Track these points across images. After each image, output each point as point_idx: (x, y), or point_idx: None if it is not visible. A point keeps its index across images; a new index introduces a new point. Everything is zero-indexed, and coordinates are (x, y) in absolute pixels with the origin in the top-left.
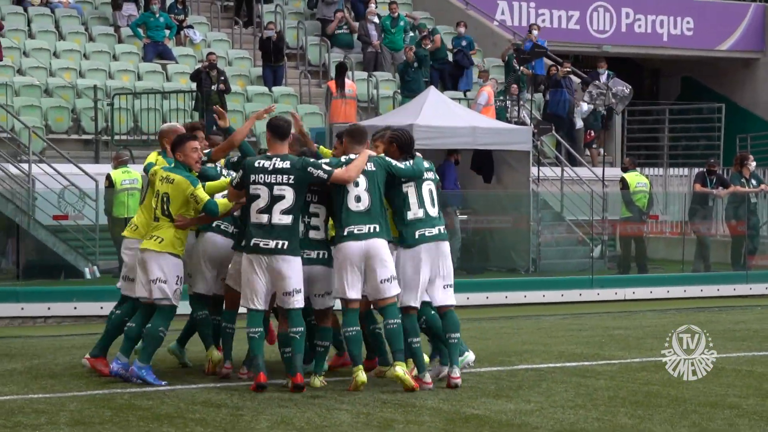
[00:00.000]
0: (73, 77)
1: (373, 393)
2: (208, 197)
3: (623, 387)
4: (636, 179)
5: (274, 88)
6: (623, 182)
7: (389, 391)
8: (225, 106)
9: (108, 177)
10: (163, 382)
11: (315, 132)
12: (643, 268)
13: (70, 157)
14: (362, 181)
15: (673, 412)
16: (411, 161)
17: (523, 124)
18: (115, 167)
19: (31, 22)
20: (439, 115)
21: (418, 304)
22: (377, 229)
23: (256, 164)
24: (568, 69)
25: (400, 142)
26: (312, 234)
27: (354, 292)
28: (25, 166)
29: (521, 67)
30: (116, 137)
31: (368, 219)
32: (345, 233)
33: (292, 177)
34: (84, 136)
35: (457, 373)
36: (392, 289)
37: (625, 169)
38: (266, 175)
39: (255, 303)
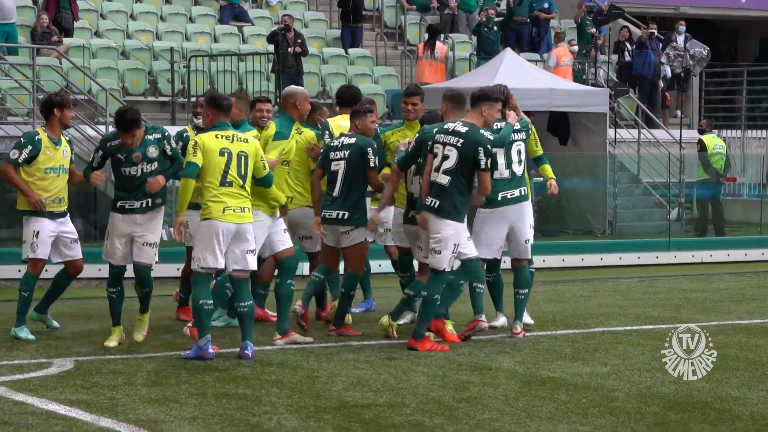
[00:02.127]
0: (149, 39)
1: (449, 355)
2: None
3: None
4: (713, 141)
5: (350, 50)
6: (700, 144)
7: (465, 353)
8: (301, 68)
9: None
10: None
11: (391, 94)
12: (721, 230)
13: (147, 119)
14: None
15: (751, 376)
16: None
17: (600, 85)
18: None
19: None
20: (516, 77)
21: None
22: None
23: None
24: (649, 32)
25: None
26: None
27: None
28: (102, 128)
29: (597, 30)
30: (192, 99)
31: None
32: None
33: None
34: (160, 98)
35: (518, 328)
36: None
37: (702, 131)
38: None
39: None
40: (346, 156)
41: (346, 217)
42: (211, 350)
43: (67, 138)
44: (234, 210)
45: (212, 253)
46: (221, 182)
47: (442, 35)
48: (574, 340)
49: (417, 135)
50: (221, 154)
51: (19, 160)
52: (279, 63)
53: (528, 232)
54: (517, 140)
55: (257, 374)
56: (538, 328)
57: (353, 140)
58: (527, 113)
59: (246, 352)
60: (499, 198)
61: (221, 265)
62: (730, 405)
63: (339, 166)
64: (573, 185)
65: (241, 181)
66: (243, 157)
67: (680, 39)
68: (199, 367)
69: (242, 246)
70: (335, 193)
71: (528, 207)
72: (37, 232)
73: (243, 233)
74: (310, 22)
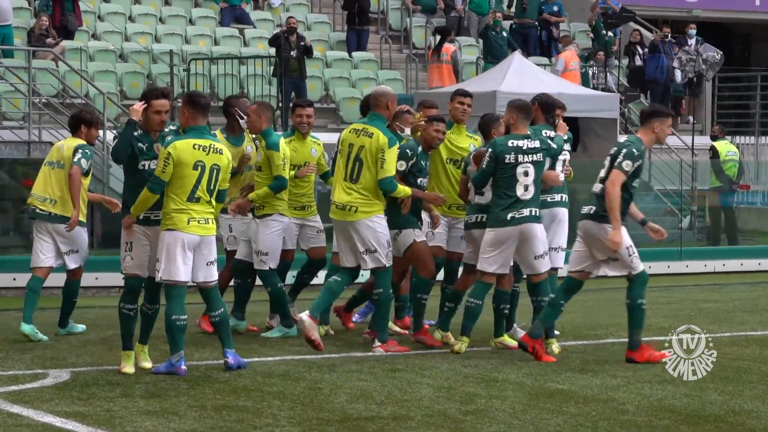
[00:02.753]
0: (148, 42)
1: (455, 367)
2: None
3: (713, 363)
4: (726, 148)
5: (354, 54)
6: (713, 151)
7: (471, 365)
8: (304, 72)
9: None
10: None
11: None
12: (734, 239)
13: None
14: None
15: (765, 389)
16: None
17: (610, 90)
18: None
19: None
20: (524, 81)
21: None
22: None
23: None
24: (662, 35)
25: (543, 104)
26: None
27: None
28: (100, 132)
29: (608, 33)
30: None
31: None
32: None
33: None
34: None
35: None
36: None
37: (714, 138)
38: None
39: None
40: None
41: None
42: (183, 367)
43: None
44: (198, 221)
45: (177, 266)
46: (189, 198)
47: (452, 32)
48: (583, 352)
49: (491, 150)
50: (194, 167)
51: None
52: (281, 66)
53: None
54: (564, 150)
55: (258, 386)
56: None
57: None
58: None
59: (227, 360)
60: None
61: (188, 277)
62: (743, 418)
63: None
64: (583, 192)
65: (208, 197)
66: (215, 171)
67: (692, 42)
68: (198, 378)
69: (206, 257)
70: None
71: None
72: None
73: (207, 244)
74: (313, 24)
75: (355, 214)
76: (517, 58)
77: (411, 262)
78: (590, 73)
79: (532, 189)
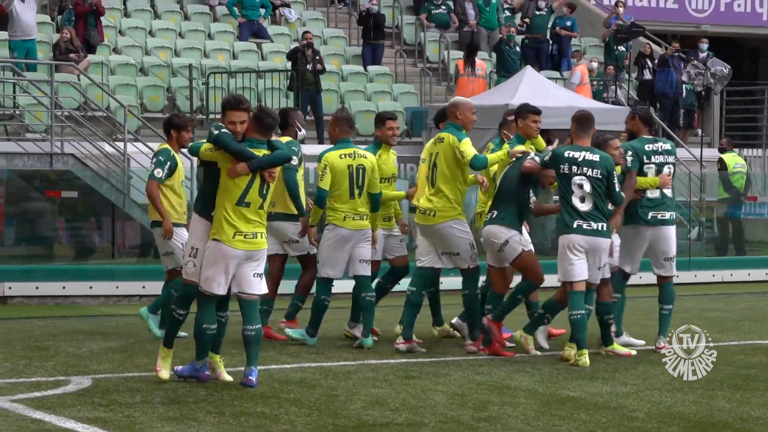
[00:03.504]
0: (168, 56)
1: (468, 374)
2: None
3: (721, 370)
4: (734, 160)
5: (369, 68)
6: (721, 163)
7: (484, 372)
8: (320, 86)
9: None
10: None
11: (410, 112)
12: (741, 250)
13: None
14: None
15: None
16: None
17: (620, 104)
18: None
19: (126, 0)
20: (536, 95)
21: None
22: None
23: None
24: (673, 50)
25: (643, 117)
26: None
27: None
28: (121, 144)
29: (616, 48)
30: (211, 116)
31: None
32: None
33: None
34: None
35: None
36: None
37: (722, 150)
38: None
39: None
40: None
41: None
42: (207, 373)
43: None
44: (245, 236)
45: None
46: (238, 203)
47: (446, 51)
48: (593, 360)
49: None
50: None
51: (163, 178)
52: (298, 80)
53: None
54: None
55: (275, 392)
56: (557, 347)
57: None
58: (546, 131)
59: (250, 378)
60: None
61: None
62: (751, 425)
63: None
64: None
65: (259, 203)
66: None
67: (702, 56)
68: (217, 385)
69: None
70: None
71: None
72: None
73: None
74: (329, 39)
75: (434, 218)
76: (529, 72)
77: (521, 270)
78: (606, 86)
79: (590, 201)
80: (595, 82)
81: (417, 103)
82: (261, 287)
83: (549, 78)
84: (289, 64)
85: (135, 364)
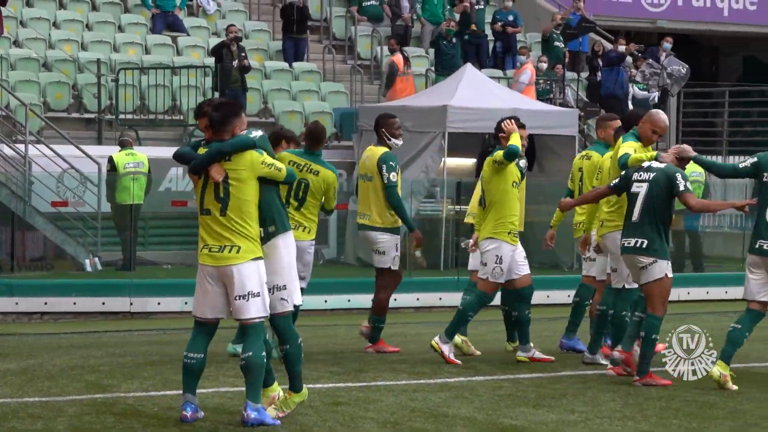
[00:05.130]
0: (74, 50)
1: (401, 400)
2: None
3: (676, 397)
4: (690, 168)
5: (294, 64)
6: None
7: (419, 398)
8: (245, 84)
9: (110, 160)
10: None
11: (339, 113)
12: (699, 266)
13: (71, 138)
14: None
15: (732, 426)
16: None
17: (568, 106)
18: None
19: None
20: (477, 95)
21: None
22: None
23: None
24: (636, 48)
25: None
26: None
27: None
28: (22, 147)
29: (565, 45)
30: (121, 116)
31: None
32: None
33: None
34: (86, 115)
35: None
36: None
37: None
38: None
39: None
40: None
41: (644, 246)
42: (186, 413)
43: None
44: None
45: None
46: (201, 212)
47: (380, 47)
48: (538, 385)
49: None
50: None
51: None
52: (223, 78)
53: None
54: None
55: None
56: (499, 371)
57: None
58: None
59: (249, 414)
60: None
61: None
62: None
63: (641, 188)
64: (539, 215)
65: (218, 209)
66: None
67: (664, 55)
68: (125, 411)
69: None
70: (634, 218)
71: None
72: None
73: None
74: (251, 32)
75: None
76: (469, 70)
77: (651, 294)
78: (551, 87)
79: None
80: (542, 81)
81: (347, 103)
82: (248, 310)
83: (491, 77)
84: (207, 60)
85: (36, 388)
